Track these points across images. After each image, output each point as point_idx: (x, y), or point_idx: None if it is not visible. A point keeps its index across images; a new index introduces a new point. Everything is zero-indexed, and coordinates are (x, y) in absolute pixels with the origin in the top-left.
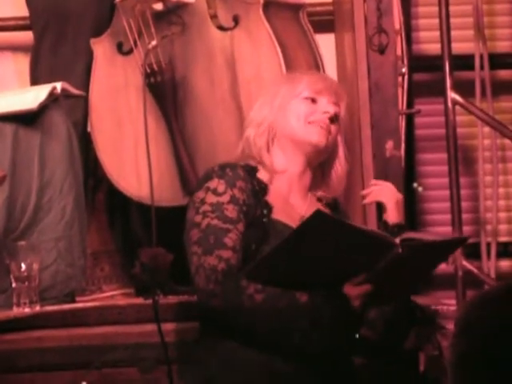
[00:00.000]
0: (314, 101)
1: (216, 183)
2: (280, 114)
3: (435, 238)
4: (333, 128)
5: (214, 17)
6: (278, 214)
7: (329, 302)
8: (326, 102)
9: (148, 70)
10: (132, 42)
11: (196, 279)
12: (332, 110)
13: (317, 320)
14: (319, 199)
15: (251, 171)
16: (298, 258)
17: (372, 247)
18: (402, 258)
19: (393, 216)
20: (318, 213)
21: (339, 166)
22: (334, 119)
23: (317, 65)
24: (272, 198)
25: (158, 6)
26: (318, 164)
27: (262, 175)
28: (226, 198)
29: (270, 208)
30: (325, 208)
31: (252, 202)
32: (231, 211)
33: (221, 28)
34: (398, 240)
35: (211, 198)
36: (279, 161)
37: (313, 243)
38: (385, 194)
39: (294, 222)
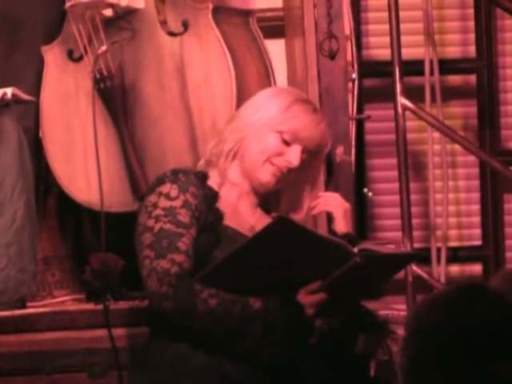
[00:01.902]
0: (287, 144)
1: (169, 188)
2: (254, 136)
3: (392, 251)
4: (292, 174)
5: (163, 23)
6: (229, 221)
7: (282, 309)
8: (299, 150)
9: (97, 76)
10: (82, 48)
11: (148, 282)
12: (296, 162)
13: (269, 326)
14: (268, 212)
15: (202, 178)
16: (256, 264)
17: (332, 255)
18: (358, 267)
19: (341, 226)
20: (282, 219)
21: (299, 208)
22: (292, 169)
23: (266, 70)
24: (222, 205)
25: (108, 12)
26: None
27: (213, 183)
28: (178, 203)
29: (221, 214)
30: None
31: (204, 207)
32: (184, 216)
33: (170, 33)
34: (356, 249)
35: (164, 203)
36: (233, 174)
37: (272, 249)
38: (332, 204)
39: (244, 230)
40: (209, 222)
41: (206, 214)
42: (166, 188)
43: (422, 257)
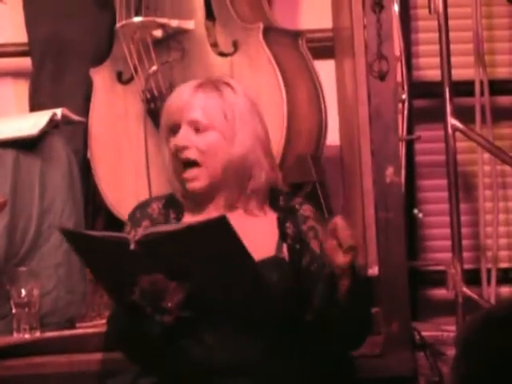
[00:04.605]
0: (174, 133)
1: (126, 226)
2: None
3: (175, 228)
4: (199, 142)
5: (213, 45)
6: None
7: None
8: (182, 130)
9: (148, 96)
10: (132, 68)
11: None
12: (180, 141)
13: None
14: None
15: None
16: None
17: (106, 250)
18: (143, 253)
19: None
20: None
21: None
22: (185, 147)
23: (316, 92)
24: None
25: (158, 33)
26: None
27: None
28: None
29: None
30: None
31: None
32: None
33: (221, 54)
34: (136, 237)
35: None
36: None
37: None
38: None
39: None
40: None
41: None
42: (125, 227)
43: (224, 222)
